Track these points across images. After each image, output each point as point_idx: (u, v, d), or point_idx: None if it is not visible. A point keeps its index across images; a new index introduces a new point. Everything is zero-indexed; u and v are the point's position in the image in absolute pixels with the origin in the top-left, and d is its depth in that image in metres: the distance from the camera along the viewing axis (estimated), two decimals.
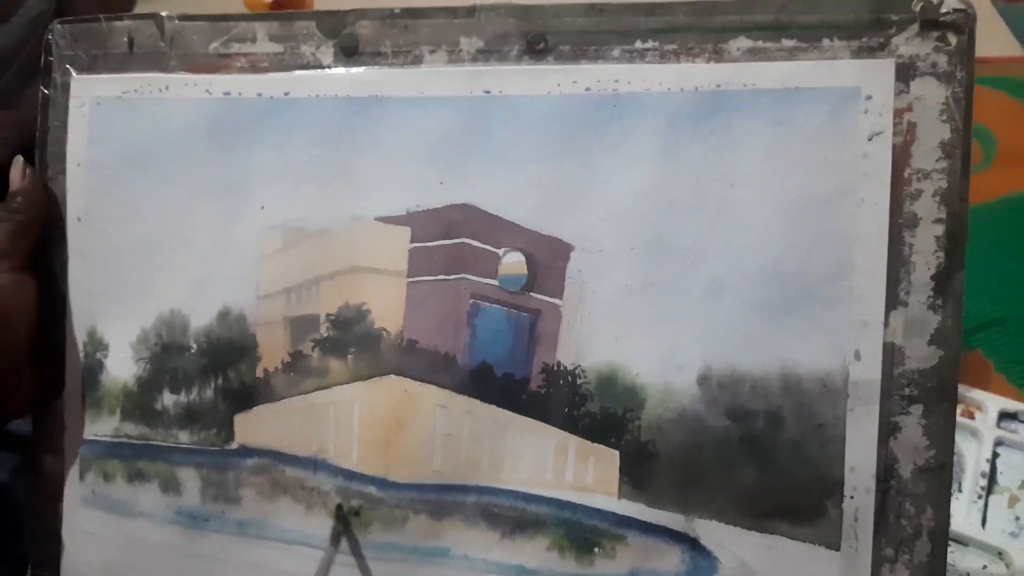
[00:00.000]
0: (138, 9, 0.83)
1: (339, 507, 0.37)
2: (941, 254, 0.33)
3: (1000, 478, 0.53)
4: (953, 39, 0.32)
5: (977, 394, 0.56)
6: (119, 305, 0.41)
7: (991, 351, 0.59)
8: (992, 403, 0.55)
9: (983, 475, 0.52)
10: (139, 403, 0.41)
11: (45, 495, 0.42)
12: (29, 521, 0.43)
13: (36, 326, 0.40)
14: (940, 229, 0.33)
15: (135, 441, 0.41)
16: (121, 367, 0.41)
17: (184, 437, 0.40)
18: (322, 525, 0.38)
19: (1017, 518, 0.51)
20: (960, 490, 0.52)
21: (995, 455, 0.53)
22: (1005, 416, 0.55)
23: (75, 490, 0.42)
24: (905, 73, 0.33)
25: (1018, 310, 0.60)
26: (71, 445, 0.42)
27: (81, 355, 0.41)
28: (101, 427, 0.41)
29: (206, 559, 0.40)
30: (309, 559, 0.39)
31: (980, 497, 0.52)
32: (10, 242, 0.39)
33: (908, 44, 0.33)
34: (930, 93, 0.33)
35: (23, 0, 0.63)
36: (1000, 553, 0.49)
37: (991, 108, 0.70)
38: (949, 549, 0.45)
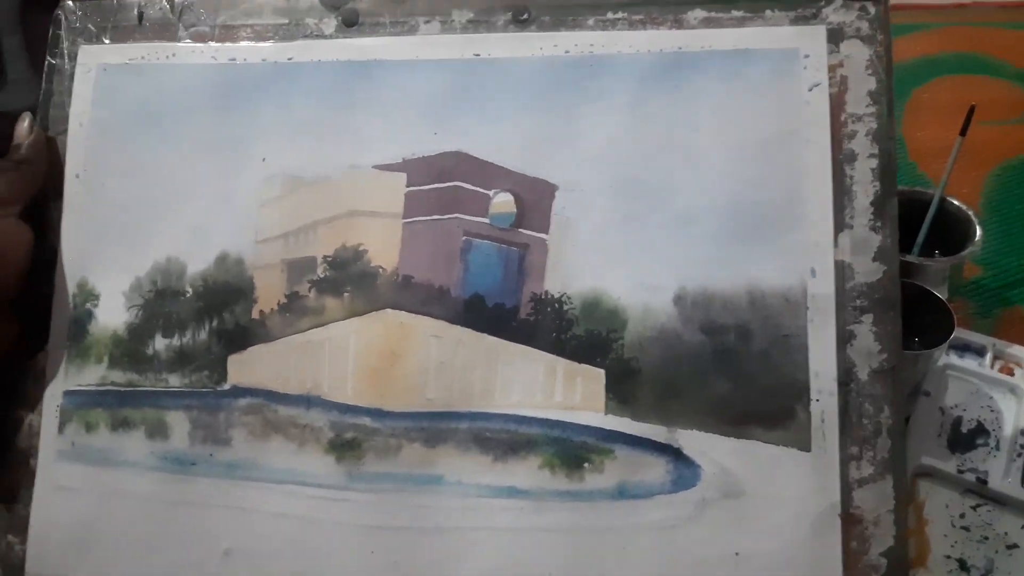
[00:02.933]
0: None
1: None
2: (877, 183, 0.37)
3: None
4: (872, 8, 0.38)
5: (1017, 349, 0.55)
6: (113, 257, 0.40)
7: None
8: None
9: (1023, 433, 0.49)
10: (128, 349, 0.40)
11: (17, 453, 0.40)
12: None
13: (27, 276, 0.39)
14: (875, 163, 0.37)
15: (122, 388, 0.39)
16: (111, 315, 0.40)
17: (175, 380, 0.39)
18: (314, 463, 0.38)
19: None
20: (998, 448, 0.50)
21: None
22: None
23: (51, 444, 0.40)
24: (835, 36, 0.38)
25: None
26: (51, 398, 0.40)
27: (70, 306, 0.40)
28: (86, 376, 0.40)
29: (192, 506, 0.38)
30: (300, 498, 0.38)
31: (1020, 455, 0.49)
32: (11, 190, 0.38)
33: (836, 13, 0.38)
34: (856, 52, 0.38)
35: None
36: None
37: None
38: (987, 508, 0.47)
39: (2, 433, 0.40)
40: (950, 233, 0.61)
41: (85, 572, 0.38)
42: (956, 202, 0.62)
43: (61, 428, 0.39)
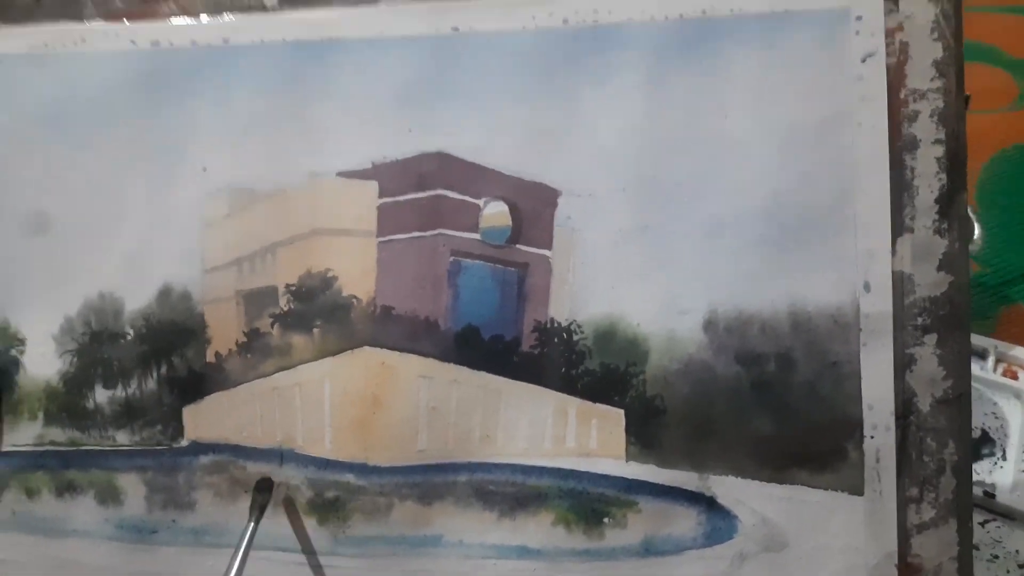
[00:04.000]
0: None
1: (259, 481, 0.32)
2: (943, 176, 0.30)
3: None
4: None
5: (1020, 351, 0.50)
6: (36, 293, 0.34)
7: None
8: None
9: None
10: (65, 403, 0.34)
11: None
12: None
13: None
14: (940, 150, 0.30)
15: (63, 448, 0.34)
16: (41, 363, 0.34)
17: (123, 437, 0.33)
18: (293, 525, 0.33)
19: None
20: (1004, 458, 0.46)
21: None
22: None
23: None
24: None
25: None
26: None
27: None
28: (20, 435, 0.34)
29: None
30: (280, 564, 0.33)
31: None
32: None
33: None
34: (919, 11, 0.30)
35: None
36: None
37: None
38: (996, 524, 0.42)
39: None
40: None
41: None
42: None
43: None
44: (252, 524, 0.30)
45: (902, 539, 0.30)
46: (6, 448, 0.34)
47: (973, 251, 0.55)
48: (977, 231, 0.54)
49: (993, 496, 0.44)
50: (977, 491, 0.45)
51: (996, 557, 0.43)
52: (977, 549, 0.44)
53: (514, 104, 0.31)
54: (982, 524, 0.45)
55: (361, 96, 0.32)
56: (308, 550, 0.32)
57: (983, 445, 0.48)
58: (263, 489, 0.31)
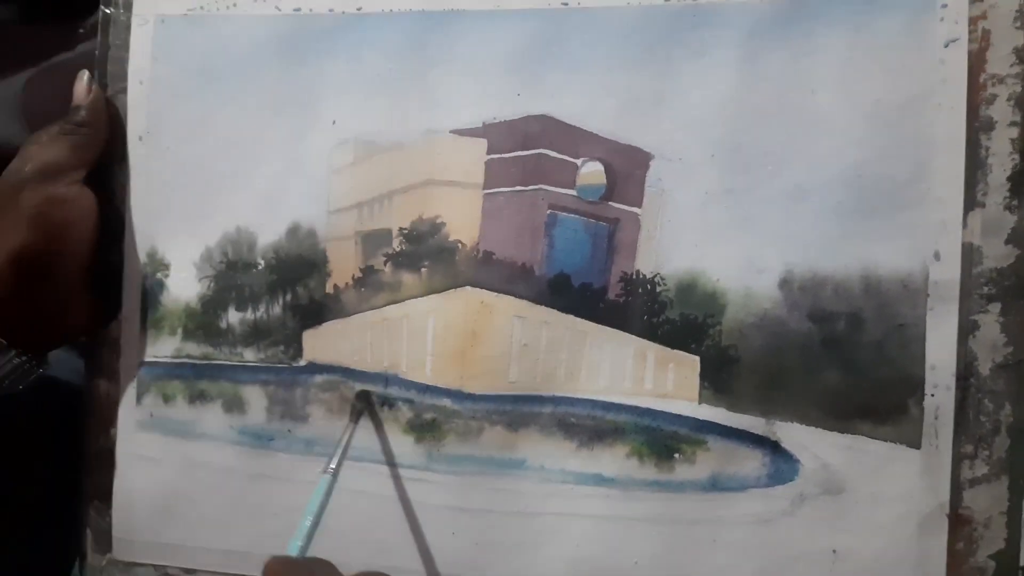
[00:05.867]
0: None
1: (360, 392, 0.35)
2: (1016, 156, 0.32)
3: None
4: None
5: None
6: (181, 224, 0.38)
7: None
8: None
9: None
10: (202, 322, 0.38)
11: (98, 421, 0.39)
12: (83, 449, 0.39)
13: (96, 244, 0.37)
14: (1015, 132, 0.32)
15: (197, 361, 0.38)
16: (183, 286, 0.38)
17: (250, 355, 0.37)
18: (393, 442, 0.36)
19: None
20: None
21: None
22: None
23: (131, 414, 0.39)
24: None
25: None
26: (127, 368, 0.39)
27: (141, 276, 0.39)
28: (161, 348, 0.38)
29: (271, 479, 0.37)
30: (380, 476, 0.36)
31: None
32: (74, 155, 0.36)
33: None
34: (1003, 0, 0.32)
35: None
36: None
37: None
38: None
39: (81, 405, 0.39)
40: None
41: (170, 538, 0.38)
42: None
43: (139, 399, 0.38)
44: (352, 424, 0.34)
45: (955, 492, 0.31)
46: (148, 358, 0.38)
47: None
48: None
49: None
50: None
51: None
52: None
53: (614, 74, 0.34)
54: None
55: (476, 62, 0.35)
56: (405, 464, 0.35)
57: None
58: (362, 398, 0.35)
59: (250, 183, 0.37)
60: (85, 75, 0.37)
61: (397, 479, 0.35)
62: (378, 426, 0.35)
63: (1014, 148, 0.31)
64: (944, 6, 0.31)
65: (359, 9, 0.36)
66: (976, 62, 0.32)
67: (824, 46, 0.32)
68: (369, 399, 0.35)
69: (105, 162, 0.38)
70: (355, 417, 0.34)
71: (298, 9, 0.36)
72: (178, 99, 0.37)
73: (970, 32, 0.31)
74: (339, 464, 0.33)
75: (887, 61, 0.32)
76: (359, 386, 0.36)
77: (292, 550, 0.29)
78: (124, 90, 0.38)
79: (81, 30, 0.41)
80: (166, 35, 0.38)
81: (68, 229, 0.35)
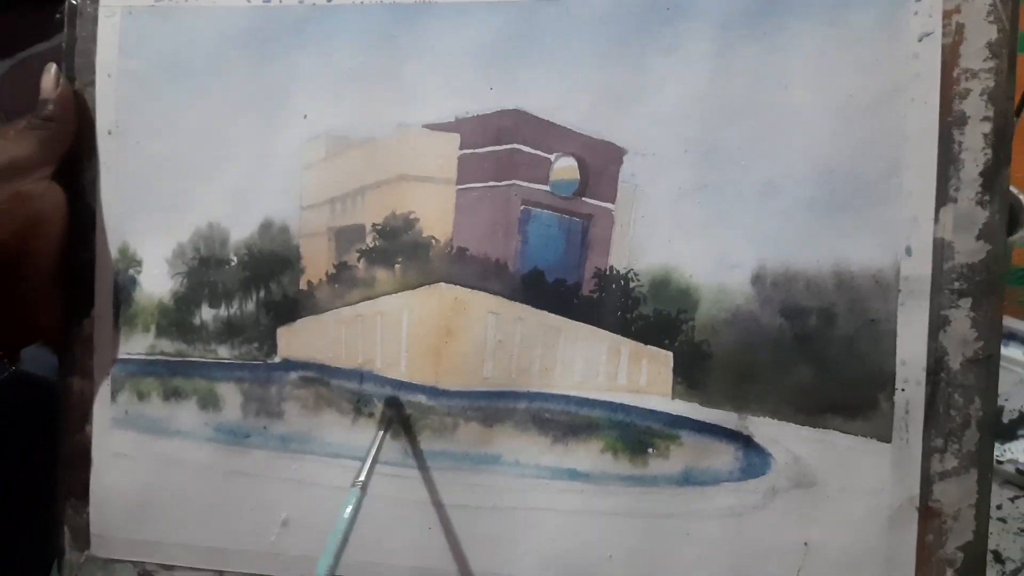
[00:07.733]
0: None
1: (389, 399, 0.35)
2: (989, 151, 0.31)
3: None
4: None
5: None
6: (153, 220, 0.37)
7: None
8: None
9: None
10: (175, 319, 0.37)
11: (73, 419, 0.39)
12: (58, 447, 0.39)
13: (66, 241, 0.36)
14: (988, 127, 0.31)
15: (171, 358, 0.37)
16: (155, 283, 0.37)
17: (224, 352, 0.37)
18: (368, 438, 0.36)
19: None
20: None
21: None
22: None
23: (105, 412, 0.38)
24: None
25: None
26: (101, 365, 0.38)
27: (113, 272, 0.38)
28: (134, 345, 0.38)
29: (247, 476, 0.37)
30: (354, 472, 0.36)
31: None
32: (42, 150, 0.35)
33: None
34: None
35: None
36: None
37: None
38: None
39: (56, 400, 0.38)
40: None
41: (147, 535, 0.37)
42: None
43: (114, 396, 0.38)
44: (381, 433, 0.33)
45: (925, 485, 0.32)
46: (122, 355, 0.37)
47: (1021, 240, 0.55)
48: None
49: None
50: (1010, 469, 0.46)
51: (1023, 530, 0.44)
52: (1004, 522, 0.45)
53: (587, 68, 0.33)
54: (1012, 500, 0.46)
55: (448, 55, 0.34)
56: (380, 460, 0.35)
57: (1019, 427, 0.49)
58: (392, 405, 0.34)
59: (221, 178, 0.36)
60: (52, 68, 0.35)
61: (373, 475, 0.35)
62: (408, 432, 0.34)
63: (986, 143, 0.31)
64: (918, 0, 0.31)
65: (329, 0, 0.35)
66: (950, 57, 0.31)
67: (797, 40, 0.32)
68: (399, 405, 0.34)
69: (74, 157, 0.37)
70: (385, 425, 0.34)
71: (267, 0, 0.35)
72: (147, 93, 0.36)
73: (944, 26, 0.31)
74: (368, 475, 0.32)
75: (861, 56, 0.31)
76: (334, 384, 0.35)
77: (321, 573, 0.27)
78: (92, 83, 0.37)
79: (58, 15, 0.39)
80: (133, 27, 0.37)
81: (37, 226, 0.34)
